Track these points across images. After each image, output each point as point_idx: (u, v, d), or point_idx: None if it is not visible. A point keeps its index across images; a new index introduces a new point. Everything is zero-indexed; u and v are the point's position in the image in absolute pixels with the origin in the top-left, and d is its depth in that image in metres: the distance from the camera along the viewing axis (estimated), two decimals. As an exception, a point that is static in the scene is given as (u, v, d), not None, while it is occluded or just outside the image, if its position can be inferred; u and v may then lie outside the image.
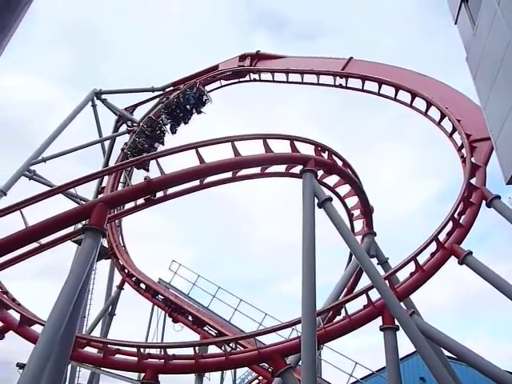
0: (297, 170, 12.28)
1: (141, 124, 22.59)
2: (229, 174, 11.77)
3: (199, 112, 22.69)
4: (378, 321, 11.63)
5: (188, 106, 21.97)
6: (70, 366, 18.47)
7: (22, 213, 9.75)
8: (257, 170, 12.30)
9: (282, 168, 12.72)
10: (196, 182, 11.39)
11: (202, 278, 19.58)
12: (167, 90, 25.96)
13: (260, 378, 19.31)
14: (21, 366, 17.84)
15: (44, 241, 10.40)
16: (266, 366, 14.77)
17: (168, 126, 22.09)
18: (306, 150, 12.82)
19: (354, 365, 16.36)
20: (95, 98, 24.55)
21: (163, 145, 22.31)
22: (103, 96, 25.02)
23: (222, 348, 13.63)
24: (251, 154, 11.84)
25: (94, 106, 24.37)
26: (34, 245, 10.44)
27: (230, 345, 14.25)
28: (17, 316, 13.75)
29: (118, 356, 13.32)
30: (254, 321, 17.95)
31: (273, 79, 23.31)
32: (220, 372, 17.90)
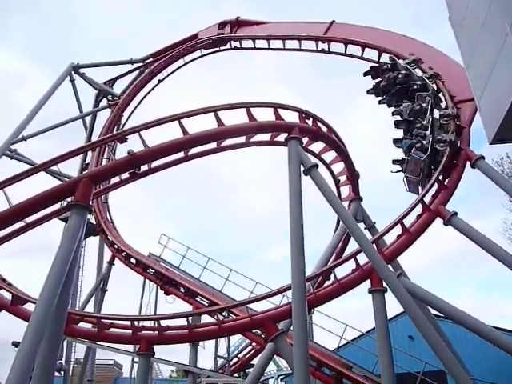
0: (282, 137, 12.20)
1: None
2: (213, 145, 11.65)
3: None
4: (367, 284, 11.90)
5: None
6: (65, 342, 18.69)
7: (5, 192, 9.61)
8: (241, 139, 12.19)
9: (266, 136, 12.62)
10: (180, 154, 11.27)
11: (192, 249, 19.63)
12: (147, 61, 25.39)
13: (253, 344, 19.81)
14: (16, 344, 17.94)
15: (29, 219, 10.29)
16: (259, 332, 15.12)
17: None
18: (290, 117, 12.74)
19: (345, 327, 16.76)
20: (73, 72, 23.85)
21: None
22: (81, 70, 24.32)
23: (215, 317, 13.86)
24: (235, 123, 11.72)
25: (72, 80, 23.69)
26: (20, 224, 10.33)
27: (223, 314, 14.48)
28: (8, 295, 13.77)
29: (112, 330, 13.48)
30: (245, 289, 18.18)
31: (254, 46, 22.87)
32: (214, 340, 18.26)
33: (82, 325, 14.04)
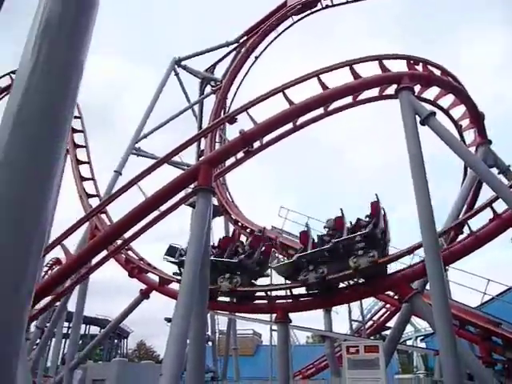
0: (391, 90, 11.50)
1: None
2: (320, 110, 11.44)
3: None
4: (508, 233, 10.85)
5: None
6: (208, 315, 20.39)
7: (139, 186, 10.65)
8: (348, 99, 11.77)
9: (374, 92, 11.99)
10: (289, 126, 11.30)
11: (312, 218, 19.75)
12: (241, 40, 25.65)
13: (387, 306, 19.48)
14: (168, 319, 20.09)
15: (163, 208, 11.26)
16: (391, 293, 14.79)
17: None
18: (398, 66, 11.93)
19: (487, 282, 15.55)
20: (176, 66, 25.13)
21: None
22: (183, 62, 25.52)
23: (346, 282, 13.88)
24: (339, 84, 11.33)
25: (177, 74, 25.01)
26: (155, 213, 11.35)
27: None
28: (155, 278, 15.38)
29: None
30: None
31: (347, 0, 21.73)
32: (347, 304, 18.32)
33: (221, 299, 15.18)
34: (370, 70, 11.75)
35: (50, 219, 2.78)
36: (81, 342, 28.58)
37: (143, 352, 57.38)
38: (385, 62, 11.69)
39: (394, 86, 11.21)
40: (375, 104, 12.20)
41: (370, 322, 22.35)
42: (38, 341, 17.84)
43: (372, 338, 20.92)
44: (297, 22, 24.28)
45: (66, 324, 29.29)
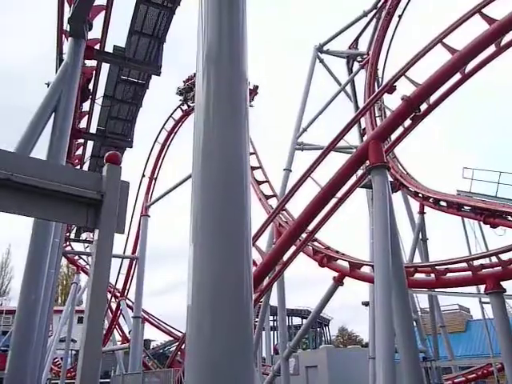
0: None
1: None
2: (491, 49, 9.89)
3: None
4: None
5: None
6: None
7: (312, 178, 10.86)
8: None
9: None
10: (457, 77, 10.09)
11: (505, 173, 17.38)
12: (379, 5, 24.11)
13: None
14: (365, 303, 20.10)
15: (339, 194, 11.26)
16: None
17: None
18: None
19: None
20: (319, 53, 24.91)
21: None
22: (325, 47, 25.14)
23: None
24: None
25: (321, 61, 24.78)
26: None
27: None
28: (345, 264, 15.48)
29: (449, 275, 13.32)
30: None
31: None
32: None
33: (417, 276, 14.48)
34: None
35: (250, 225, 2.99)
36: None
37: (346, 337, 58.45)
38: None
39: None
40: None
41: None
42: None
43: None
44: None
45: (271, 318, 31.77)
